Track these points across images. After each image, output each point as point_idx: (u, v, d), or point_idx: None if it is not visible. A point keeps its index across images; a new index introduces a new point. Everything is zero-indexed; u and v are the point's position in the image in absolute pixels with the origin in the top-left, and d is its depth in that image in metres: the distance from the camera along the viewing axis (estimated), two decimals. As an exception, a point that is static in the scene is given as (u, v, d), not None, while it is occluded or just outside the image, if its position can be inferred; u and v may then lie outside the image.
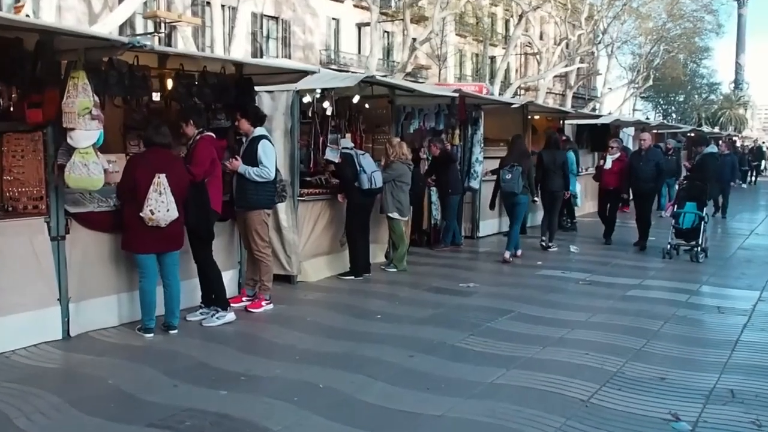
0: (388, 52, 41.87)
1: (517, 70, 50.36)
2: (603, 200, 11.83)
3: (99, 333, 5.86)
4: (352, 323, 6.38)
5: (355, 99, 8.74)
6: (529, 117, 13.93)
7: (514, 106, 11.51)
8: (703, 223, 9.98)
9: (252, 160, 6.50)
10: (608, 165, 11.33)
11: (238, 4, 22.47)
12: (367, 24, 32.93)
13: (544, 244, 10.64)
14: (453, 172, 10.63)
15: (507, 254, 9.69)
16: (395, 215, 8.75)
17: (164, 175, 5.57)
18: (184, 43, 24.65)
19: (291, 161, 7.86)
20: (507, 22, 47.11)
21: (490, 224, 12.25)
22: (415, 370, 5.06)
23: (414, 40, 28.12)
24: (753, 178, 27.97)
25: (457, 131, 11.03)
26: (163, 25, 26.11)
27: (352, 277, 8.37)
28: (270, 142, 6.64)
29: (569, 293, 7.77)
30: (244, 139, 6.71)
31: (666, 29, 44.13)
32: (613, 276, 8.74)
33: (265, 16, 33.84)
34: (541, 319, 6.54)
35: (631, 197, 11.54)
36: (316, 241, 8.38)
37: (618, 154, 11.28)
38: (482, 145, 11.14)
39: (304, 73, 7.16)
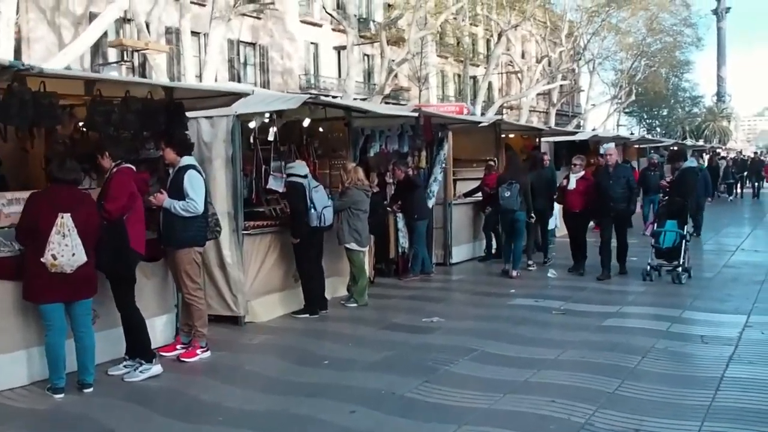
0: (368, 74, 41.55)
1: (500, 89, 50.15)
2: (569, 225, 10.45)
3: (4, 395, 5.16)
4: (293, 372, 5.71)
5: (306, 122, 8.14)
6: (503, 135, 13.45)
7: (482, 124, 10.93)
8: (684, 241, 9.40)
9: (178, 192, 5.87)
10: (572, 185, 9.90)
11: (210, 31, 22.02)
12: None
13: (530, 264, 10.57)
14: (418, 196, 10.03)
15: (514, 272, 9.92)
16: (353, 246, 8.11)
17: (69, 214, 4.92)
18: (155, 72, 24.12)
19: (233, 191, 7.23)
20: (488, 41, 46.95)
21: (464, 250, 11.64)
22: (352, 431, 4.39)
23: (393, 61, 27.73)
24: (740, 191, 27.32)
25: (424, 153, 10.46)
26: (130, 53, 25.53)
27: (307, 315, 7.71)
28: (199, 172, 6.00)
29: (541, 325, 7.12)
30: (171, 171, 6.07)
31: (646, 44, 44.06)
32: (589, 303, 8.11)
33: (242, 42, 33.43)
34: (506, 359, 5.89)
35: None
36: (266, 277, 7.73)
37: (582, 173, 9.91)
38: (443, 165, 10.54)
39: (237, 96, 6.54)
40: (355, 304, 8.23)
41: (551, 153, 14.80)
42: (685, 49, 48.17)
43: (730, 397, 4.85)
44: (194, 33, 27.78)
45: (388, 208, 10.06)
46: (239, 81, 33.12)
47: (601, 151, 10.02)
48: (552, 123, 40.22)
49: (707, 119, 66.11)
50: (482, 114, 32.61)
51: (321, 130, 8.91)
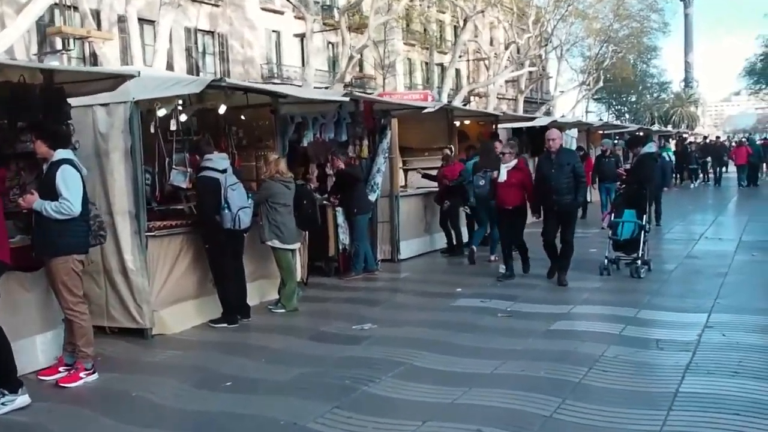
0: (333, 63, 40.62)
1: (468, 77, 49.51)
2: (501, 223, 9.00)
3: None
4: (187, 398, 4.92)
5: (221, 109, 7.30)
6: (458, 123, 12.75)
7: (428, 110, 10.15)
8: (643, 232, 8.76)
9: (51, 192, 5.02)
10: (502, 177, 8.48)
11: (159, 18, 20.97)
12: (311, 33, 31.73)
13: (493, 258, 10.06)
14: (358, 189, 9.26)
15: (492, 257, 9.97)
16: (275, 243, 7.33)
17: None
18: (103, 62, 22.97)
19: (134, 188, 6.40)
20: (455, 28, 46.23)
21: (415, 244, 10.90)
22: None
23: (353, 48, 26.85)
24: (704, 176, 26.76)
25: (366, 142, 9.68)
26: (74, 42, 24.30)
27: (225, 325, 6.91)
28: (75, 167, 5.15)
29: (483, 331, 6.40)
30: (44, 166, 5.22)
31: (613, 30, 43.68)
32: (540, 303, 7.42)
33: (200, 30, 32.31)
34: (435, 375, 5.16)
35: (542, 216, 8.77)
36: (177, 283, 6.91)
37: (514, 162, 8.49)
38: (387, 154, 9.78)
39: (123, 78, 5.69)
40: (282, 310, 7.45)
41: (505, 139, 14.13)
42: (652, 34, 48.07)
43: (684, 419, 4.16)
44: (147, 21, 26.69)
45: (325, 202, 9.29)
46: (198, 71, 32.04)
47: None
48: (520, 110, 39.67)
49: (675, 105, 66.35)
50: (449, 102, 31.87)
51: (243, 118, 8.07)
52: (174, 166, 6.86)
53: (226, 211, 6.75)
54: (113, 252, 6.51)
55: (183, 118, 7.05)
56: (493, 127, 13.06)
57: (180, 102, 7.07)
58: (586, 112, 52.72)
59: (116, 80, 5.65)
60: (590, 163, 14.57)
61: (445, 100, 32.73)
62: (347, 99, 7.82)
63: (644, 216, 8.89)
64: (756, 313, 6.62)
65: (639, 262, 8.62)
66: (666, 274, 8.81)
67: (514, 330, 6.37)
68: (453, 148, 11.30)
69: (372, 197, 9.84)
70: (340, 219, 9.28)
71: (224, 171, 6.85)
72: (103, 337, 6.49)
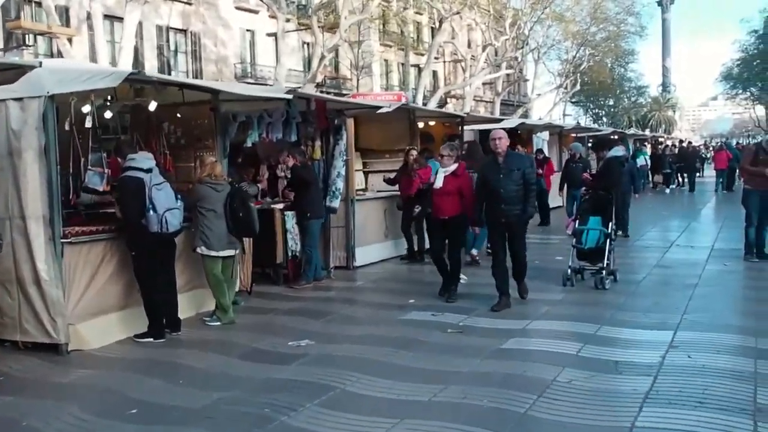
0: (308, 62, 40.03)
1: (445, 79, 49.15)
2: (436, 238, 7.84)
3: None
4: (81, 429, 4.31)
5: (152, 106, 6.70)
6: (422, 124, 12.24)
7: (383, 110, 9.57)
8: (609, 240, 8.29)
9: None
10: (438, 183, 7.55)
11: (125, 14, 20.30)
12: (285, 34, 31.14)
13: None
14: (311, 191, 8.69)
15: (474, 251, 9.85)
16: (202, 250, 6.76)
17: None
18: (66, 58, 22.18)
19: (48, 190, 5.79)
20: (433, 30, 45.86)
21: (373, 251, 10.34)
22: None
23: (323, 47, 26.27)
24: (681, 181, 26.40)
25: (318, 143, 9.12)
26: (34, 37, 23.48)
27: (151, 340, 6.31)
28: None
29: (429, 349, 5.86)
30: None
31: (590, 33, 43.52)
32: (495, 317, 6.89)
33: (172, 29, 31.67)
34: (365, 402, 4.61)
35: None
36: (98, 294, 6.30)
37: (454, 166, 7.53)
38: (344, 157, 9.23)
39: (22, 69, 5.09)
40: (217, 323, 6.87)
41: (477, 141, 13.64)
42: (629, 38, 48.00)
43: (638, 460, 3.65)
44: (118, 18, 25.93)
45: (273, 205, 8.72)
46: (169, 69, 31.34)
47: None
48: (497, 112, 39.37)
49: (653, 109, 66.59)
50: (423, 104, 31.41)
51: (179, 115, 7.46)
52: (90, 167, 6.24)
53: (152, 212, 6.15)
54: (26, 260, 5.92)
55: (108, 114, 6.44)
56: (459, 128, 12.56)
57: (108, 97, 6.49)
58: (564, 115, 52.56)
59: (17, 71, 5.02)
60: (551, 167, 14.12)
61: (420, 101, 32.31)
62: (290, 96, 7.24)
63: (610, 223, 8.43)
64: (724, 331, 6.15)
65: (604, 272, 8.15)
66: (633, 286, 8.34)
67: (462, 348, 5.84)
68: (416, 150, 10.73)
69: (335, 203, 9.31)
70: (290, 223, 8.71)
71: (149, 170, 6.27)
72: (16, 353, 5.94)
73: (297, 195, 8.70)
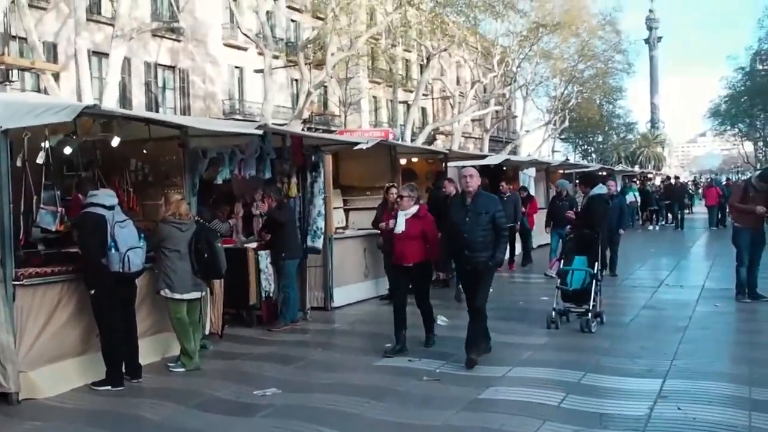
0: (296, 99, 40.08)
1: (434, 116, 49.36)
2: (400, 287, 7.08)
3: None
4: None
5: (114, 142, 6.41)
6: (404, 161, 12.02)
7: (360, 146, 9.31)
8: (595, 281, 7.98)
9: None
10: (400, 227, 6.85)
11: (111, 50, 20.26)
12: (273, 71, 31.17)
13: None
14: (287, 231, 8.39)
15: None
16: (166, 292, 6.40)
17: None
18: (51, 93, 22.00)
19: (0, 228, 5.46)
20: (421, 67, 46.21)
21: (352, 291, 9.97)
22: None
23: (310, 84, 26.25)
24: (669, 218, 26.10)
25: (294, 180, 8.84)
26: (18, 73, 23.32)
27: (108, 388, 5.92)
28: None
29: (402, 399, 5.49)
30: None
31: (578, 70, 43.89)
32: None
33: (160, 65, 31.66)
34: (328, 462, 4.23)
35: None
36: (53, 339, 5.91)
37: (415, 208, 6.87)
38: (323, 194, 8.95)
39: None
40: (182, 369, 6.48)
41: (458, 179, 13.40)
42: (617, 75, 48.45)
43: None
44: (105, 54, 25.87)
45: (247, 245, 8.40)
46: (157, 106, 31.24)
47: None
48: (486, 149, 39.41)
49: (642, 145, 67.15)
50: (412, 140, 31.34)
51: (145, 151, 7.17)
52: (42, 205, 5.92)
53: (113, 251, 5.84)
54: (-24, 304, 5.53)
55: (68, 150, 6.15)
56: (443, 165, 12.33)
57: (71, 132, 6.21)
58: (553, 151, 52.77)
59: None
60: (534, 205, 13.84)
61: (408, 137, 32.25)
62: (260, 132, 6.97)
63: (596, 263, 8.14)
64: (717, 379, 5.83)
65: (590, 314, 7.82)
66: (620, 328, 8.01)
67: (435, 399, 5.47)
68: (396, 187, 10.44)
69: (318, 243, 9.02)
70: (263, 263, 8.37)
71: (111, 207, 5.97)
72: (-36, 403, 5.50)
73: (273, 235, 8.40)
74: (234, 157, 7.74)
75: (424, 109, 49.03)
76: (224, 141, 7.54)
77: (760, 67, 49.67)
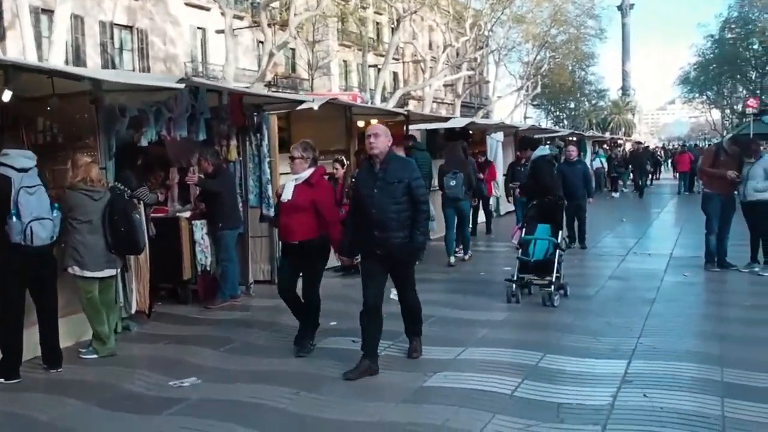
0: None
1: (405, 80, 48.41)
2: (285, 268, 6.00)
3: None
4: None
5: (5, 96, 5.55)
6: (362, 123, 11.25)
7: (305, 105, 8.45)
8: (558, 251, 7.39)
9: None
10: (287, 195, 5.61)
11: (56, 6, 19.04)
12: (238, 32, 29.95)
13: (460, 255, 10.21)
14: (225, 199, 7.64)
15: (466, 256, 10.29)
16: (75, 270, 5.65)
17: None
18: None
19: None
20: (393, 30, 45.11)
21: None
22: None
23: (282, 44, 25.25)
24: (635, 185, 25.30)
25: (234, 142, 8.05)
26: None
27: (2, 380, 5.18)
28: None
29: (335, 390, 4.84)
30: None
31: (551, 35, 43.18)
32: (424, 343, 5.86)
33: (117, 25, 30.22)
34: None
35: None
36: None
37: (308, 173, 5.58)
38: (269, 158, 8.20)
39: None
40: (94, 356, 5.76)
41: (424, 141, 12.68)
42: (589, 41, 47.88)
43: None
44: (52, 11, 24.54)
45: (179, 213, 7.65)
46: (114, 67, 29.89)
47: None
48: (458, 114, 38.65)
49: (613, 112, 66.89)
50: (383, 105, 30.44)
51: (49, 108, 6.30)
52: None
53: (15, 219, 5.04)
54: None
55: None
56: (404, 128, 11.60)
57: None
58: (525, 117, 52.12)
59: None
60: (493, 172, 13.10)
61: (379, 101, 31.34)
62: (181, 86, 6.15)
63: (560, 232, 7.54)
64: (686, 359, 5.29)
65: (553, 287, 7.24)
66: (584, 301, 7.44)
67: (377, 387, 4.85)
68: (344, 159, 9.72)
69: (271, 212, 8.23)
70: (198, 234, 7.63)
71: (23, 170, 5.17)
72: None
73: (209, 204, 7.66)
74: (161, 116, 6.90)
75: (395, 74, 48.07)
76: (146, 97, 6.70)
77: (729, 36, 49.35)
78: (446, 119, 13.15)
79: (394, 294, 7.49)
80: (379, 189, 5.03)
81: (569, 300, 7.39)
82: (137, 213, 6.07)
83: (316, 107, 8.60)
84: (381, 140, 5.09)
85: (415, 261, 5.45)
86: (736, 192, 8.94)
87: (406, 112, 11.47)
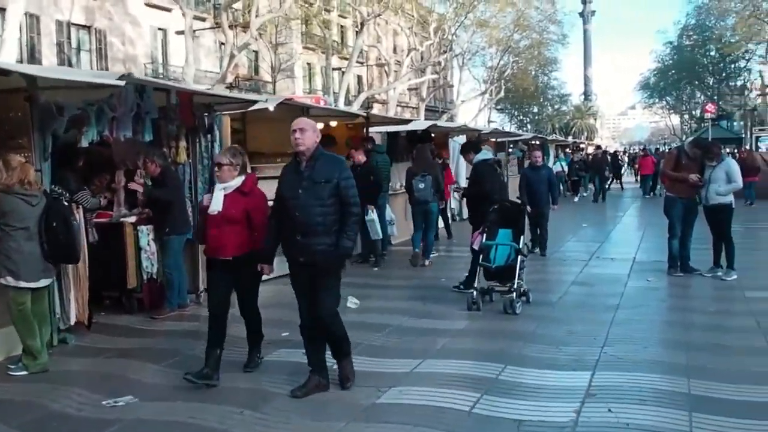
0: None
1: (370, 84, 48.20)
2: (218, 286, 5.23)
3: None
4: None
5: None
6: (321, 125, 10.92)
7: (257, 106, 8.13)
8: (520, 257, 7.17)
9: None
10: (215, 205, 5.04)
11: (8, 4, 18.34)
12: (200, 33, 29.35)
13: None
14: (174, 203, 7.25)
15: (426, 261, 10.05)
16: (8, 280, 5.23)
17: None
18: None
19: None
20: (357, 33, 44.86)
21: (258, 269, 8.89)
22: None
23: (244, 46, 24.77)
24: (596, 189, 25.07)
25: (183, 143, 7.66)
26: None
27: None
28: None
29: (282, 407, 4.51)
30: None
31: (514, 40, 43.42)
32: (380, 355, 5.61)
33: (74, 24, 29.39)
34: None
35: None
36: None
37: (238, 181, 5.04)
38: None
39: None
40: (23, 372, 5.33)
41: (384, 144, 12.40)
42: (552, 46, 48.26)
43: None
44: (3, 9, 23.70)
45: (124, 218, 7.24)
46: (71, 67, 29.06)
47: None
48: (422, 118, 38.55)
49: (575, 117, 67.72)
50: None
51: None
52: None
53: None
54: None
55: None
56: (364, 130, 11.31)
57: None
58: (489, 121, 52.31)
59: None
60: (449, 175, 12.87)
61: (342, 105, 31.04)
62: (121, 83, 5.74)
63: (522, 237, 7.32)
64: (651, 369, 5.09)
65: (515, 294, 7.02)
66: (547, 308, 7.23)
67: (324, 405, 4.53)
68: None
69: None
70: (144, 240, 7.22)
71: None
72: None
73: (154, 209, 7.26)
74: (103, 115, 6.48)
75: (360, 77, 47.83)
76: (87, 95, 6.28)
77: (687, 42, 50.26)
78: (407, 122, 12.87)
79: (352, 302, 7.28)
80: (304, 189, 4.54)
81: (531, 307, 7.17)
82: (74, 219, 5.65)
83: (271, 108, 8.29)
84: (308, 135, 4.60)
85: (340, 269, 4.79)
86: (697, 196, 8.84)
87: (365, 114, 11.19)
